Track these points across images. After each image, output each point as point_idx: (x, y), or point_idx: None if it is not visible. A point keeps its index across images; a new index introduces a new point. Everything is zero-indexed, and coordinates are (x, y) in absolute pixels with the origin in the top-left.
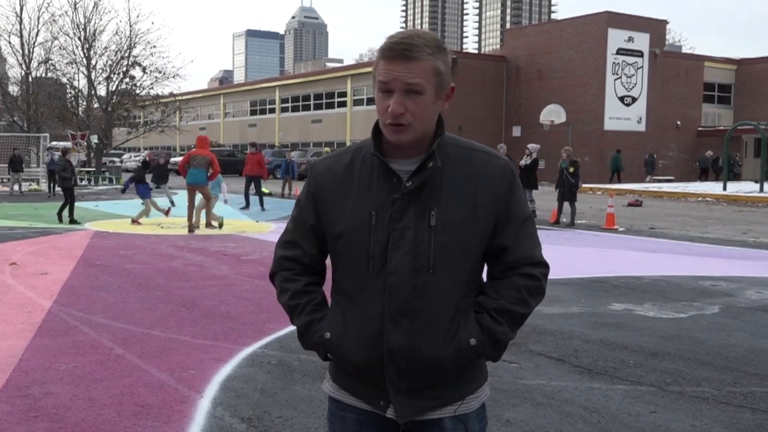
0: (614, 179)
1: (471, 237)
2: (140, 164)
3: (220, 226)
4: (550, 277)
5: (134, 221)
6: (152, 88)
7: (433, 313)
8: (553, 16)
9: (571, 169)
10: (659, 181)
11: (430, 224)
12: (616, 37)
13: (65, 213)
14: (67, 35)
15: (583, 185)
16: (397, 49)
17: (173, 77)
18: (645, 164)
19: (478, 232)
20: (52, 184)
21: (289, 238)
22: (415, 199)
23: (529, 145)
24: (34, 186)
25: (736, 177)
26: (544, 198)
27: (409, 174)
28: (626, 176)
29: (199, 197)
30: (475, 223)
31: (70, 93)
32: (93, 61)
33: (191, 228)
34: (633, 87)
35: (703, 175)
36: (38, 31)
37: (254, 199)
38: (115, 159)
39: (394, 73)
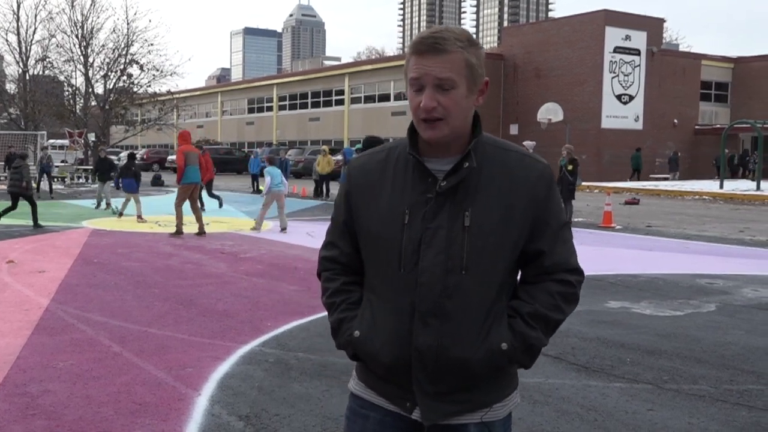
0: (634, 177)
1: (506, 239)
2: (127, 160)
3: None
4: None
5: (139, 218)
6: (150, 86)
7: (464, 315)
8: (550, 14)
9: (570, 167)
10: (657, 179)
11: (464, 224)
12: (614, 36)
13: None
14: (65, 33)
15: (581, 183)
16: (427, 43)
17: (171, 75)
18: (669, 162)
19: (514, 235)
20: (41, 182)
21: (328, 239)
22: (450, 199)
23: (525, 143)
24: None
25: (745, 174)
26: None
27: (444, 174)
28: (628, 175)
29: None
30: (511, 225)
31: (68, 91)
32: (90, 59)
33: (180, 229)
34: (630, 85)
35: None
36: (35, 28)
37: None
38: (113, 157)
39: (425, 68)
